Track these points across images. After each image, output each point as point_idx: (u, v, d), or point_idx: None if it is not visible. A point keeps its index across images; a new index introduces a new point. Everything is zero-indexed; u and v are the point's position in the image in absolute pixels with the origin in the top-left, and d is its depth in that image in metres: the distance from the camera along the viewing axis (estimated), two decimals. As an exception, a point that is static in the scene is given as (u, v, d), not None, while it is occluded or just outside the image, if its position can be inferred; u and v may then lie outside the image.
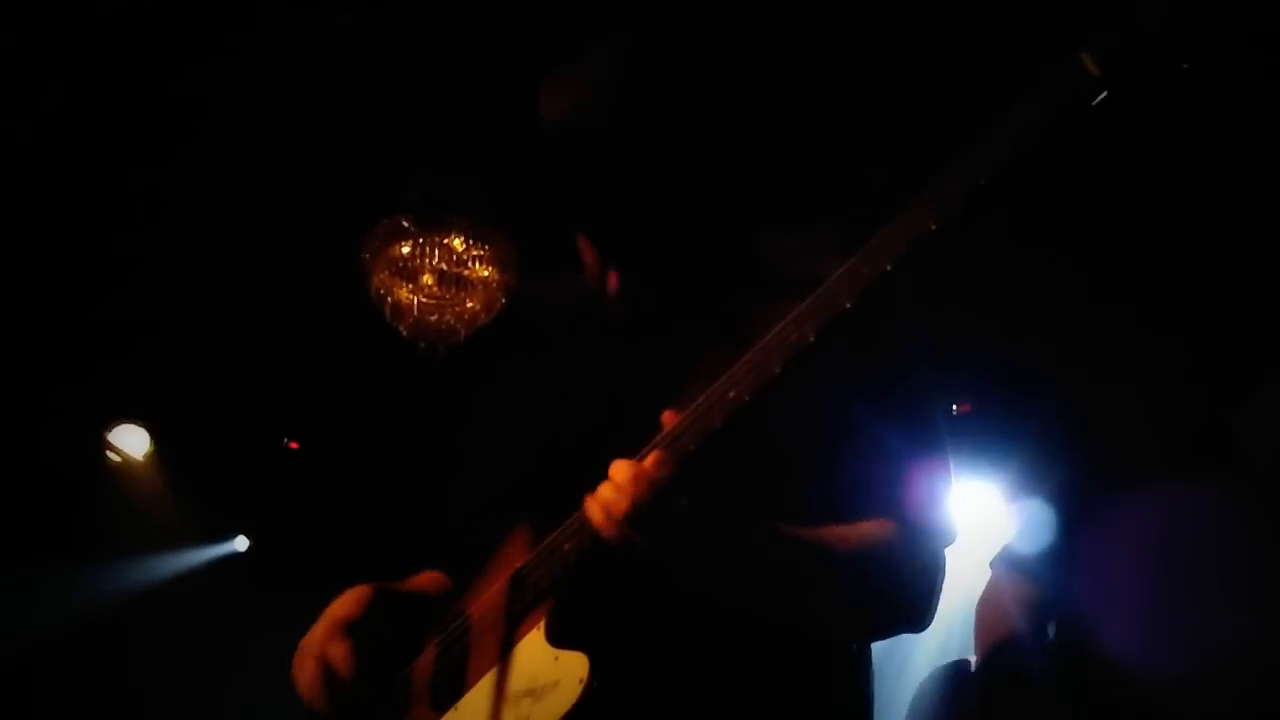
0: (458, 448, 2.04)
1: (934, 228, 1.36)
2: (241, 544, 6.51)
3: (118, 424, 6.04)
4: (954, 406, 5.57)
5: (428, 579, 2.00)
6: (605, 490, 1.48)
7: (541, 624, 1.59)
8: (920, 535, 1.67)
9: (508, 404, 1.98)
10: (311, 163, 4.64)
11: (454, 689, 1.72)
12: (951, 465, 1.72)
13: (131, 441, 6.05)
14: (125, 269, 5.13)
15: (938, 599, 1.70)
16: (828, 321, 1.43)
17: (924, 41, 3.80)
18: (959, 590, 5.89)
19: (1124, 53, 1.31)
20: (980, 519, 5.88)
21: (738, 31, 3.75)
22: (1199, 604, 5.10)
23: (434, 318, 4.81)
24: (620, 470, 1.48)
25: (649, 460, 1.47)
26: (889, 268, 1.39)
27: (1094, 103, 1.31)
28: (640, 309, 1.81)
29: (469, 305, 4.81)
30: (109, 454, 6.07)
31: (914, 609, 1.68)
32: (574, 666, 1.52)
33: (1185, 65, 1.29)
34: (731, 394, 1.47)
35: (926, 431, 1.71)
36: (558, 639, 1.57)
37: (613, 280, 1.78)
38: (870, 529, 1.63)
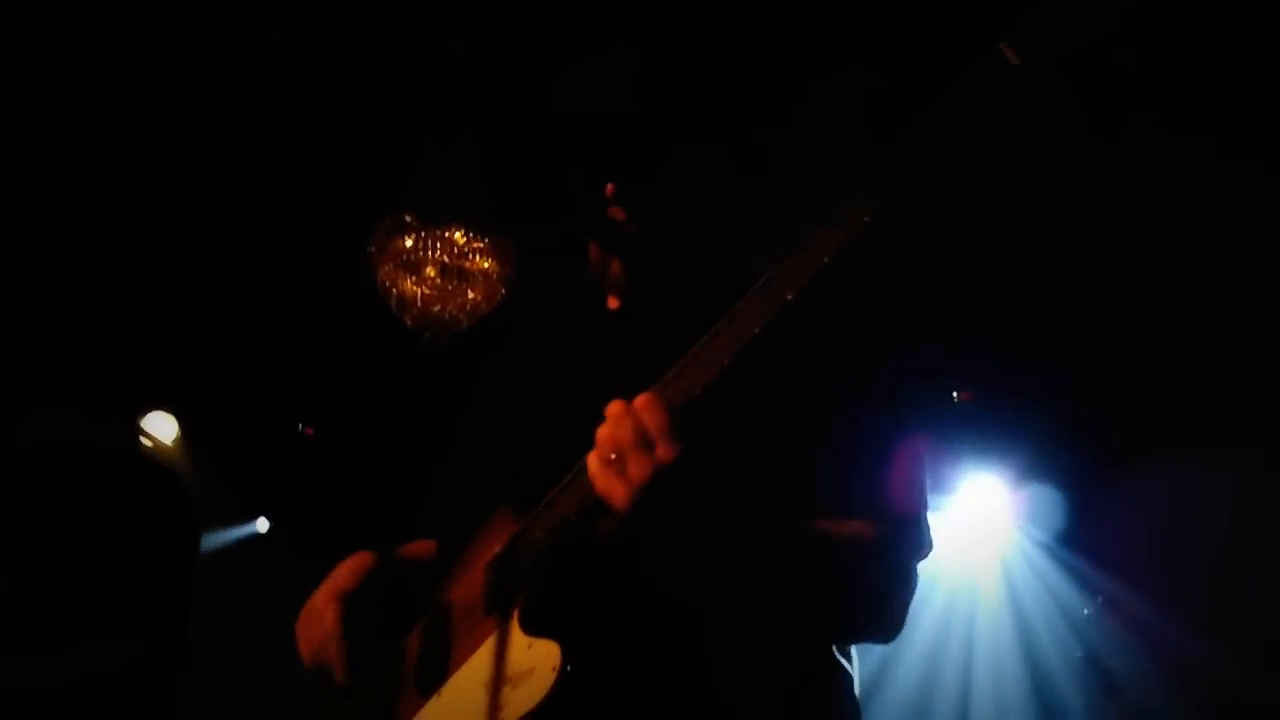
0: (453, 430, 2.10)
1: (868, 220, 1.42)
2: (262, 525, 6.71)
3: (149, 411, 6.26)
4: (955, 394, 5.56)
5: (421, 547, 2.06)
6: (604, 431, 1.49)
7: (516, 612, 1.64)
8: (901, 539, 1.68)
9: (501, 390, 2.04)
10: (321, 168, 4.82)
11: (438, 674, 1.78)
12: (927, 475, 1.75)
13: (161, 427, 6.27)
14: (153, 270, 5.34)
15: (907, 610, 1.71)
16: (779, 308, 1.47)
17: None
18: (969, 581, 5.96)
19: (1044, 40, 1.34)
20: (984, 510, 5.89)
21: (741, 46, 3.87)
22: (1211, 582, 5.13)
23: (437, 308, 4.92)
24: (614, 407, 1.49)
25: (638, 402, 1.48)
26: (826, 260, 1.44)
27: (1017, 90, 1.35)
28: (640, 299, 1.86)
29: (470, 296, 4.91)
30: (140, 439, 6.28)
31: (885, 615, 1.69)
32: (547, 654, 1.57)
33: (1104, 51, 1.33)
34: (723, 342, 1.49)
35: (907, 437, 1.73)
36: (531, 626, 1.62)
37: (615, 266, 1.83)
38: (854, 526, 1.64)
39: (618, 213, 1.76)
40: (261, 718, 5.38)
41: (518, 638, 1.62)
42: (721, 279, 1.76)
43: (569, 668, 1.55)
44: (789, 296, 1.45)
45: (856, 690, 1.79)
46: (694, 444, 1.44)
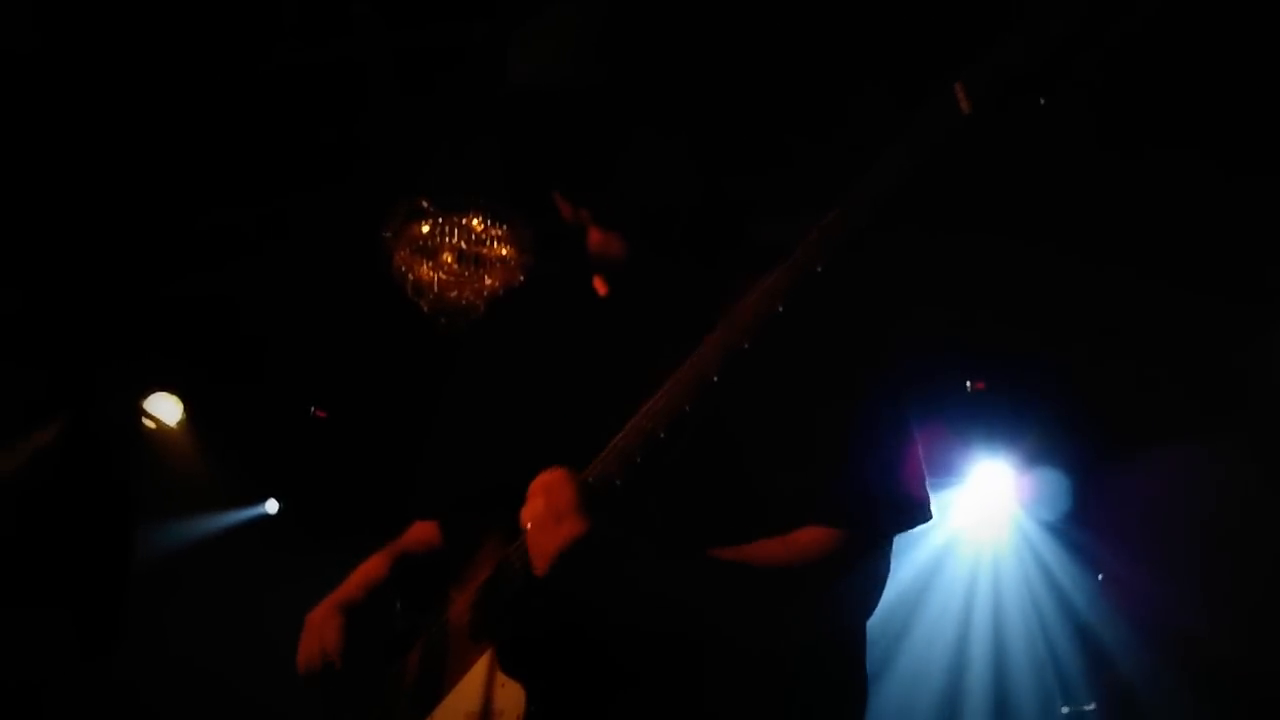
0: (445, 414, 2.02)
1: (819, 269, 1.44)
2: (272, 507, 6.72)
3: (153, 392, 6.21)
4: (968, 384, 5.71)
5: (423, 533, 2.01)
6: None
7: (497, 647, 1.63)
8: (857, 544, 1.61)
9: (487, 364, 1.95)
10: (335, 145, 4.77)
11: (431, 698, 1.75)
12: (916, 455, 1.68)
13: (165, 409, 6.23)
14: (160, 247, 5.26)
15: (874, 602, 1.68)
16: (731, 356, 1.48)
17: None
18: (967, 563, 6.14)
19: (995, 88, 1.31)
20: (992, 491, 6.08)
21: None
22: (1202, 560, 5.34)
23: (454, 294, 4.94)
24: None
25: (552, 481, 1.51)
26: (780, 308, 1.45)
27: (964, 137, 1.34)
28: (624, 287, 1.79)
29: (488, 283, 4.93)
30: (144, 420, 6.24)
31: (845, 619, 1.67)
32: (515, 699, 1.57)
33: (1043, 100, 1.31)
34: (676, 401, 1.50)
35: (884, 431, 1.66)
36: (506, 665, 1.61)
37: (593, 236, 1.73)
38: (806, 541, 1.59)
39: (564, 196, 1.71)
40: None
41: (497, 673, 1.62)
42: (714, 271, 1.70)
43: (533, 708, 1.55)
44: (717, 373, 1.47)
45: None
46: (607, 517, 1.49)
